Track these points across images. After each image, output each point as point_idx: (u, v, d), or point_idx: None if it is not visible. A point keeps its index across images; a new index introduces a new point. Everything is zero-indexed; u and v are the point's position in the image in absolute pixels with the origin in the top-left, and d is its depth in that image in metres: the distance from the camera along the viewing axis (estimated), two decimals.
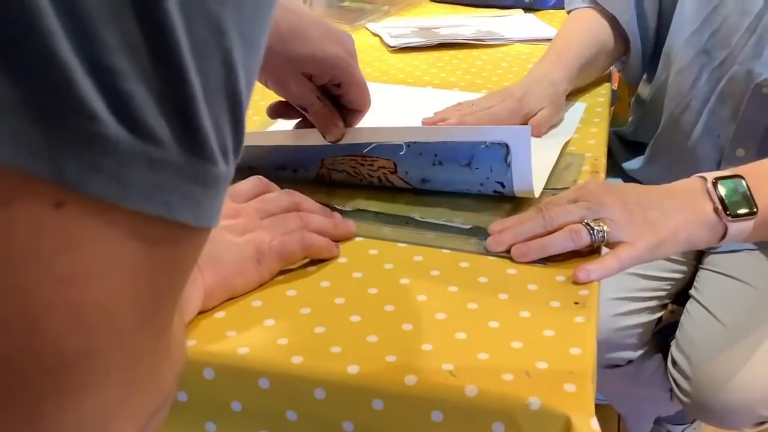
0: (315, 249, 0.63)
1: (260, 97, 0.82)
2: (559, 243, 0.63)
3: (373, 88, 0.75)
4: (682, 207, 0.66)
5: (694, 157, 1.02)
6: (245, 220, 0.62)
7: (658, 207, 0.65)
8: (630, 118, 1.22)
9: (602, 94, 1.05)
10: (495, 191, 0.71)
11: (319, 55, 0.68)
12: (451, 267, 0.64)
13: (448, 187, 0.72)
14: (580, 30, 1.03)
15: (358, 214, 0.71)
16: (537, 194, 0.72)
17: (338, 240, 0.66)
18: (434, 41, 1.23)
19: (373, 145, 0.72)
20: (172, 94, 0.24)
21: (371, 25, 1.33)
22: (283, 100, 0.74)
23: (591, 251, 0.65)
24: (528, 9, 1.41)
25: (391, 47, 1.23)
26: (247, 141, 0.88)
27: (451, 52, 1.22)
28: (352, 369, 0.52)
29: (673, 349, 1.04)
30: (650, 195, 0.67)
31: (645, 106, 1.13)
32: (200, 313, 0.57)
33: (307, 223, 0.64)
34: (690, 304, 1.05)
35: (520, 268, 0.63)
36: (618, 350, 1.09)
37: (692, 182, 0.68)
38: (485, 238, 0.66)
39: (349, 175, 0.74)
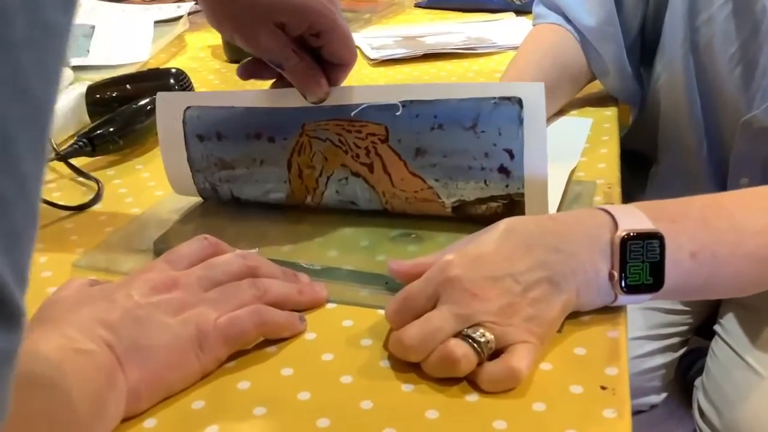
0: (273, 326, 0.51)
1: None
2: (439, 374, 0.48)
3: None
4: (575, 269, 0.50)
5: (698, 184, 0.90)
6: (184, 292, 0.49)
7: (543, 281, 0.49)
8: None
9: (609, 108, 0.93)
10: (501, 167, 0.60)
11: None
12: None
13: (446, 162, 0.62)
14: (539, 54, 0.88)
15: (329, 272, 0.59)
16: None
17: (305, 309, 0.54)
18: (420, 52, 1.12)
19: (363, 106, 0.61)
20: None
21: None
22: (256, 57, 0.62)
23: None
24: (519, 12, 1.30)
25: (372, 60, 1.11)
26: (215, 101, 0.72)
27: (439, 63, 1.10)
28: None
29: (700, 397, 0.92)
30: (537, 261, 0.50)
31: (642, 120, 1.01)
32: (124, 420, 0.45)
33: (264, 292, 0.52)
34: (715, 344, 0.93)
35: None
36: (640, 396, 0.97)
37: (597, 228, 0.52)
38: None
39: (333, 144, 0.63)
